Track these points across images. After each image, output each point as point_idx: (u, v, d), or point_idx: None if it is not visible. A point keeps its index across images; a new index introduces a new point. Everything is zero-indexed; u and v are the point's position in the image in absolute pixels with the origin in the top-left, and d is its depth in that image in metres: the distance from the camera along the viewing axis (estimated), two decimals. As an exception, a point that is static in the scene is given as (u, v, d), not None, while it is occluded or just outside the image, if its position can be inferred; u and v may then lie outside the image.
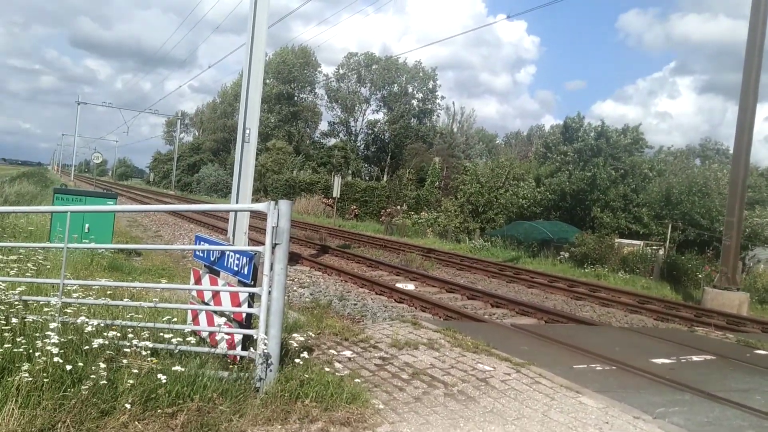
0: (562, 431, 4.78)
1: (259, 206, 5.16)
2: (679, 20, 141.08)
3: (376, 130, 71.30)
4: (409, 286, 13.43)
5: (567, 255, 22.42)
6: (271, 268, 4.96)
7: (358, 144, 72.65)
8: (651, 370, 6.86)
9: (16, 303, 5.30)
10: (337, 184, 32.57)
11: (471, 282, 15.79)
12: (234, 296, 5.38)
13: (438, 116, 72.72)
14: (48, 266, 8.29)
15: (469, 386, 5.70)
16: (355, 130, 73.57)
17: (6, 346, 4.38)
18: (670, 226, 23.22)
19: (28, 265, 7.87)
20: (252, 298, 5.30)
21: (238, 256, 5.49)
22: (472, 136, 75.64)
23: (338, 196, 33.93)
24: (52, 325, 4.65)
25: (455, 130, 73.96)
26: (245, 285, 5.33)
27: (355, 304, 10.87)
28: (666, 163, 31.61)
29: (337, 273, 14.51)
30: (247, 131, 10.95)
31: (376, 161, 71.65)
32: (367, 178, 64.99)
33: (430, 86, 70.17)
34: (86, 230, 13.26)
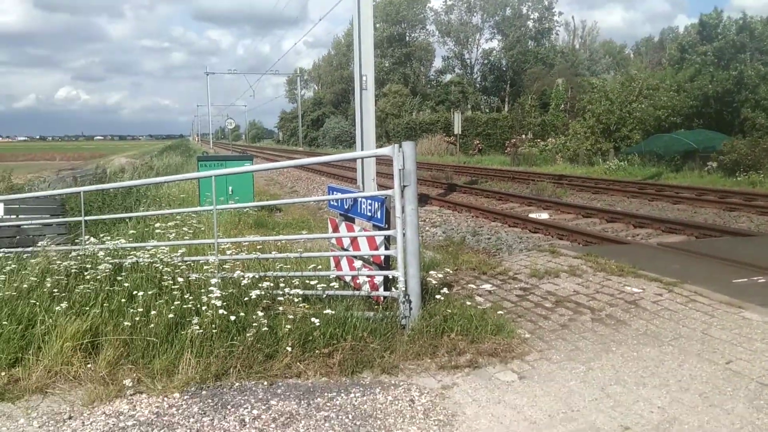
0: (725, 348, 4.53)
1: (384, 150, 5.23)
2: None
3: (491, 59, 69.03)
4: (543, 216, 13.11)
5: (715, 164, 20.73)
6: (403, 210, 5.05)
7: (475, 76, 70.87)
8: (825, 278, 6.25)
9: (180, 264, 5.82)
10: (457, 120, 32.13)
11: (609, 204, 15.10)
12: (371, 240, 5.55)
13: (557, 35, 68.95)
14: (202, 228, 8.98)
15: (617, 310, 5.54)
16: (470, 62, 71.69)
17: (176, 303, 4.85)
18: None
19: (185, 229, 8.60)
20: (388, 241, 5.44)
21: (369, 201, 5.63)
22: (596, 51, 71.06)
23: (460, 132, 33.50)
24: (213, 280, 5.07)
25: (577, 46, 69.82)
26: (380, 228, 5.47)
27: (489, 239, 10.81)
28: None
29: (467, 209, 14.45)
30: (364, 78, 11.02)
31: (494, 92, 69.61)
32: (486, 110, 63.47)
33: (546, 3, 66.28)
34: (230, 192, 14.21)
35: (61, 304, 4.79)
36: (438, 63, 73.62)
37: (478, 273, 7.14)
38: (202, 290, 4.97)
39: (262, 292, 4.93)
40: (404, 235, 5.05)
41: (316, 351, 4.58)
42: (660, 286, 6.02)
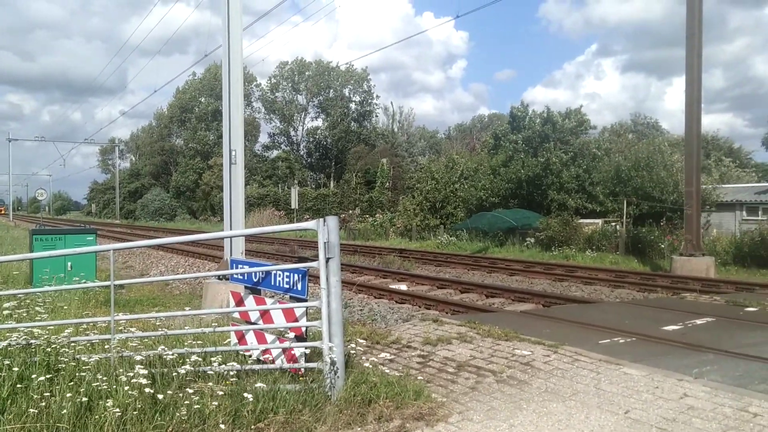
0: (619, 400, 5.18)
1: (309, 224, 5.36)
2: (596, 4, 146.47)
3: (317, 137, 71.40)
4: (402, 287, 13.71)
5: (533, 240, 23.19)
6: (327, 281, 5.17)
7: (301, 153, 72.59)
8: (666, 336, 7.38)
9: (71, 344, 5.34)
10: (294, 195, 32.60)
11: (456, 276, 16.21)
12: (289, 312, 5.55)
13: (377, 117, 73.47)
14: (65, 306, 8.20)
15: (516, 371, 6.05)
16: (297, 139, 73.53)
17: (86, 385, 4.46)
18: (624, 201, 24.31)
19: (38, 309, 7.78)
20: (306, 313, 5.50)
21: (287, 274, 5.66)
22: (413, 135, 76.67)
23: (297, 207, 33.93)
24: (138, 357, 4.75)
25: (396, 129, 74.80)
26: (299, 300, 5.52)
27: (362, 309, 11.07)
28: (611, 141, 32.91)
29: (326, 282, 14.59)
30: (233, 152, 11.01)
31: (320, 168, 71.74)
32: (313, 186, 65.05)
33: (366, 88, 70.74)
34: (69, 268, 13.01)
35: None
36: (264, 138, 74.46)
37: (371, 342, 7.34)
38: (121, 370, 4.62)
39: (192, 368, 4.70)
40: (329, 305, 5.16)
41: (250, 427, 4.47)
42: (545, 348, 6.69)
